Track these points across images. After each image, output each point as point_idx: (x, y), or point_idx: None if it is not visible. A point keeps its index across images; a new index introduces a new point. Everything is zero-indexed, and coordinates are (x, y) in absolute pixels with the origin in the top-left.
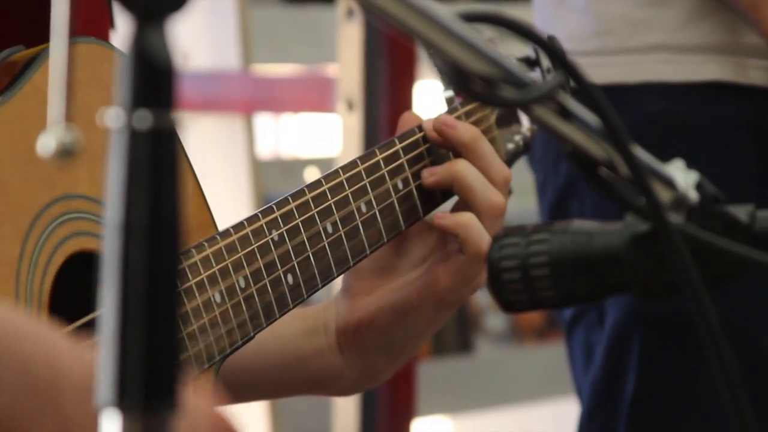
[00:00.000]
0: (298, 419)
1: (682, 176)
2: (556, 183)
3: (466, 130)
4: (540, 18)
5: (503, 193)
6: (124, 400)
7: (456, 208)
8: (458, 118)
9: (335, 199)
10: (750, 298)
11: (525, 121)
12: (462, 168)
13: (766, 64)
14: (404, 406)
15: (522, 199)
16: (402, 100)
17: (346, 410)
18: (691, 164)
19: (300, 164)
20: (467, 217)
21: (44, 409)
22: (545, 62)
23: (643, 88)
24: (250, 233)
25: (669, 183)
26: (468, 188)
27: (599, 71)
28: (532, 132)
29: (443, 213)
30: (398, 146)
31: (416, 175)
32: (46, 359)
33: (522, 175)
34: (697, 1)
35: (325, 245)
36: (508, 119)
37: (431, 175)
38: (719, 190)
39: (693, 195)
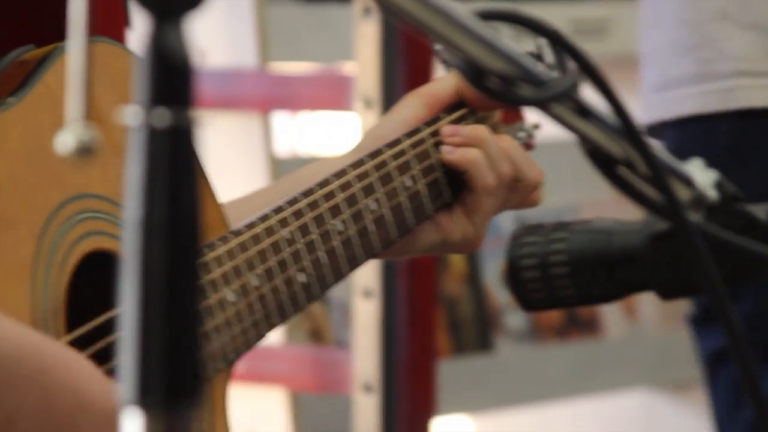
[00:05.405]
0: (319, 417)
1: (701, 175)
2: None
3: (471, 132)
4: (694, 34)
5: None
6: (146, 399)
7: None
8: (462, 116)
9: (345, 196)
10: None
11: (529, 116)
12: (475, 157)
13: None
14: (424, 404)
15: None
16: None
17: (366, 408)
18: None
19: None
20: (474, 153)
21: None
22: (548, 58)
23: None
24: (261, 232)
25: (688, 182)
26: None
27: None
28: (536, 128)
29: (451, 148)
30: (405, 143)
31: (425, 172)
32: (72, 392)
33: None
34: None
35: (336, 243)
36: (512, 116)
37: (450, 152)
38: None
39: (712, 194)
